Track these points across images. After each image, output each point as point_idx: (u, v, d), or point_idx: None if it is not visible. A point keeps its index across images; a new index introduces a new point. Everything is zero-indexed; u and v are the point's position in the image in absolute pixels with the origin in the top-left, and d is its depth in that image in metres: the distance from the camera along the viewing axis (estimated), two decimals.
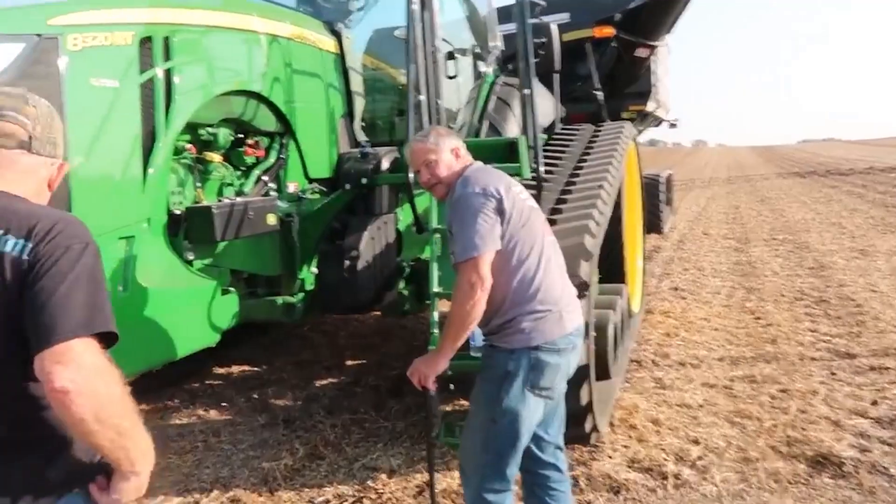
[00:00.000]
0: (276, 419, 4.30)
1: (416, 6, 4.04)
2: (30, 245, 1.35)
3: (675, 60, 11.77)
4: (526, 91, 4.08)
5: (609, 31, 8.18)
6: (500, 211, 2.42)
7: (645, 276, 7.12)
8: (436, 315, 3.22)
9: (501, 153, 4.13)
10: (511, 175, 3.77)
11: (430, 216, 3.52)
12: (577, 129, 6.27)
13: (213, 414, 4.46)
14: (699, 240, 11.00)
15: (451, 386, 2.70)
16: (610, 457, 3.61)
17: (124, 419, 1.38)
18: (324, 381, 4.98)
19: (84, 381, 1.30)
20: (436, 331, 3.18)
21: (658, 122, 11.41)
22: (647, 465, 3.50)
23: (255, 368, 5.37)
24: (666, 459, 3.55)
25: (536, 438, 2.64)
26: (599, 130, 6.20)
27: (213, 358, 5.38)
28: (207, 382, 5.07)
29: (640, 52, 8.80)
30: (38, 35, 2.41)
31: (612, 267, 5.71)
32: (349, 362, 5.40)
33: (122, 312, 2.67)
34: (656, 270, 8.46)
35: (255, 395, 4.72)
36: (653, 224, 11.20)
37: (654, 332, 5.76)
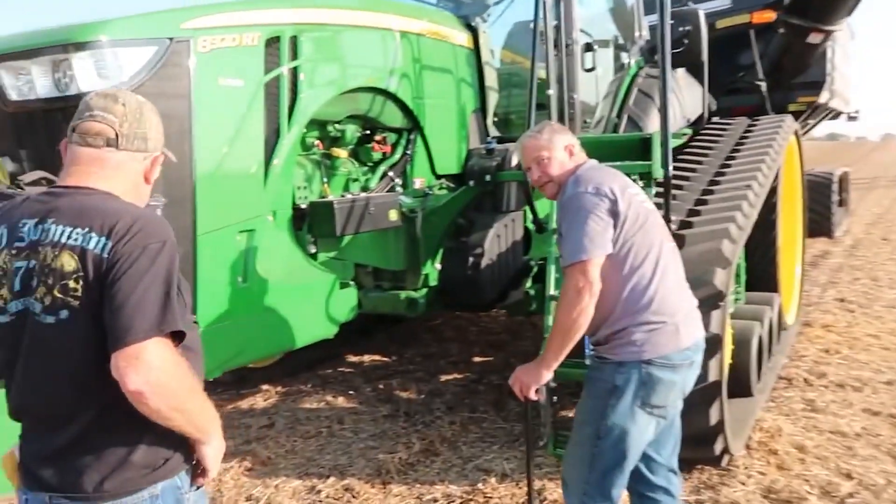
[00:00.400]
0: (397, 411, 4.36)
1: None
2: (110, 243, 1.41)
3: (859, 46, 10.62)
4: (663, 83, 3.79)
5: (769, 15, 7.48)
6: (614, 213, 2.25)
7: (804, 285, 6.48)
8: (550, 320, 3.08)
9: (634, 150, 3.90)
10: (640, 175, 3.61)
11: (551, 215, 3.38)
12: (729, 124, 5.81)
13: (340, 401, 4.61)
14: (876, 246, 9.84)
15: (555, 398, 2.56)
16: (743, 483, 3.29)
17: (195, 402, 1.50)
18: (448, 377, 4.99)
19: (156, 381, 1.38)
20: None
21: (835, 114, 10.35)
22: (784, 497, 3.15)
23: (385, 359, 5.49)
24: (809, 493, 3.18)
25: (647, 459, 2.45)
26: (755, 125, 5.70)
27: (347, 345, 5.59)
28: (339, 369, 5.26)
29: (813, 38, 7.97)
30: (171, 38, 2.56)
31: (762, 274, 5.25)
32: (476, 359, 5.37)
33: (240, 303, 2.86)
34: (821, 279, 7.66)
35: (381, 386, 4.82)
36: (822, 227, 10.19)
37: (810, 348, 5.21)
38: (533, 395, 2.42)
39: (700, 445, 3.32)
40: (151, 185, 1.69)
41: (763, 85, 7.90)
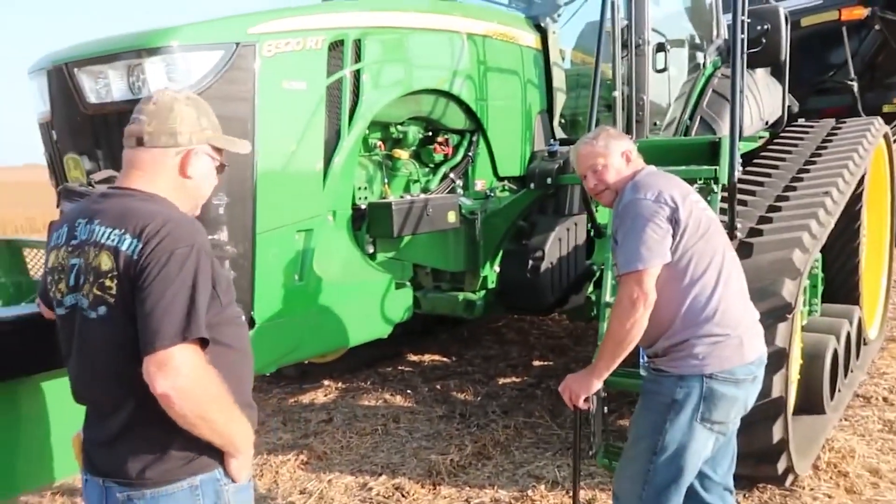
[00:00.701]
0: (453, 412, 4.37)
1: None
2: (140, 245, 1.46)
3: None
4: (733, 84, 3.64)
5: (860, 12, 7.08)
6: (675, 220, 2.18)
7: (890, 299, 6.10)
8: (605, 327, 3.02)
9: (702, 154, 3.77)
10: (706, 180, 3.49)
11: (610, 220, 3.31)
12: (812, 126, 5.55)
13: (397, 399, 4.66)
14: None
15: (605, 408, 2.51)
16: None
17: (222, 413, 1.51)
18: (506, 380, 4.97)
19: (183, 386, 1.43)
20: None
21: None
22: None
23: (444, 359, 5.52)
24: None
25: (702, 476, 2.38)
26: (840, 127, 5.42)
27: (408, 345, 5.66)
28: (399, 368, 5.32)
29: None
30: (237, 43, 2.65)
31: (843, 286, 4.99)
32: (536, 363, 5.33)
33: (296, 301, 2.93)
34: None
35: (438, 386, 4.85)
36: None
37: (893, 365, 4.91)
38: (582, 404, 2.38)
39: (762, 463, 3.19)
40: (200, 180, 1.70)
41: (855, 85, 7.51)
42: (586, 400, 2.38)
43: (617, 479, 2.44)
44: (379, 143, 3.61)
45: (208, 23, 2.70)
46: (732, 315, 2.24)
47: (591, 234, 4.12)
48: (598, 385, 2.33)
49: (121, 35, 2.66)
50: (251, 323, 2.74)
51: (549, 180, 4.08)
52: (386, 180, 3.64)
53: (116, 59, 2.53)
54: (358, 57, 3.21)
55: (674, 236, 2.19)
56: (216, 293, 1.55)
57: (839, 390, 4.15)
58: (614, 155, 2.39)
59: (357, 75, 3.21)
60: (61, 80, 2.64)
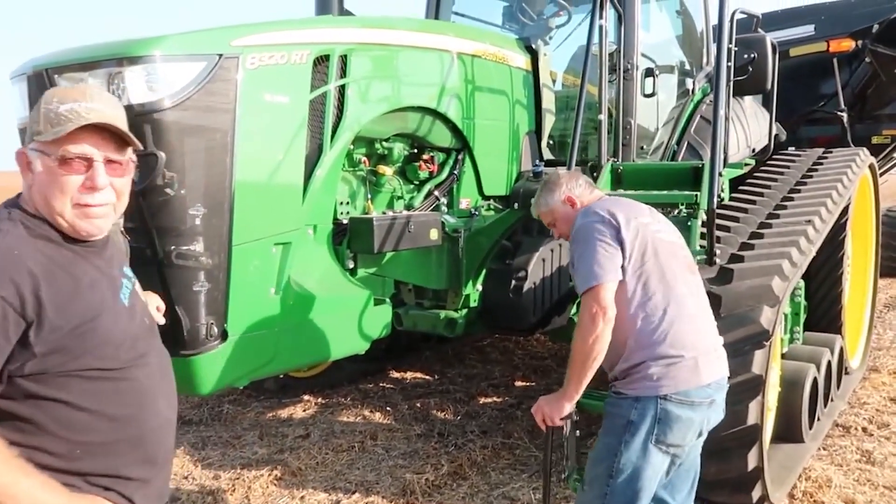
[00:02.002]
0: (432, 430, 4.34)
1: (601, 22, 3.85)
2: None
3: None
4: (720, 112, 3.66)
5: (848, 44, 7.17)
6: (619, 240, 2.24)
7: (875, 329, 6.12)
8: None
9: (685, 179, 3.79)
10: (688, 205, 3.50)
11: None
12: (799, 155, 5.59)
13: (376, 416, 4.62)
14: None
15: (578, 431, 2.49)
16: None
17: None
18: (487, 399, 4.94)
19: None
20: None
21: None
22: None
23: (426, 377, 5.49)
24: None
25: (660, 502, 2.36)
26: (825, 157, 5.46)
27: (391, 361, 5.63)
28: (380, 384, 5.28)
29: None
30: (220, 55, 2.65)
31: (825, 315, 4.99)
32: (518, 383, 5.30)
33: (271, 314, 2.91)
34: (895, 322, 7.23)
35: (418, 404, 4.81)
36: None
37: (874, 395, 4.90)
38: (558, 424, 2.36)
39: (736, 491, 3.18)
40: (34, 183, 1.44)
41: (844, 116, 7.58)
42: (561, 420, 2.36)
43: (578, 502, 2.44)
44: (363, 158, 3.61)
45: (192, 34, 2.71)
46: (686, 337, 2.24)
47: None
48: (569, 407, 2.32)
49: (103, 43, 2.66)
50: (224, 335, 2.72)
51: (532, 201, 4.08)
52: (369, 196, 3.64)
53: (97, 67, 2.53)
54: (343, 72, 3.22)
55: (623, 253, 2.24)
56: (29, 338, 1.33)
57: (818, 419, 4.14)
58: (556, 208, 2.54)
59: (342, 90, 3.21)
60: (41, 86, 2.63)
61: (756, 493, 3.14)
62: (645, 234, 2.28)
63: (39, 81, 2.65)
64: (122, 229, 2.35)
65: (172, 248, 2.60)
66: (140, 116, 2.49)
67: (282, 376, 4.71)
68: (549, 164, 4.48)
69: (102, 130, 1.44)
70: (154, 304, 2.19)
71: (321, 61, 3.10)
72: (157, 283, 2.58)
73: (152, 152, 2.52)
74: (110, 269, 1.53)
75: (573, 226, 2.39)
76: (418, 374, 5.54)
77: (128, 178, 1.52)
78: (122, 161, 1.49)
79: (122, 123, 1.47)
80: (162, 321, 2.18)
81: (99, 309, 1.42)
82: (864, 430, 4.30)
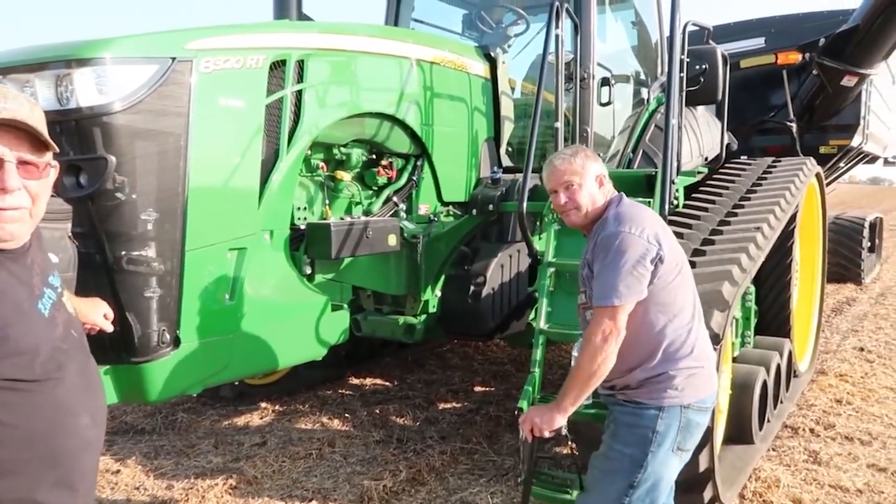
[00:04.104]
0: (390, 437, 4.32)
1: (558, 31, 3.90)
2: None
3: None
4: (672, 121, 3.74)
5: (795, 57, 7.41)
6: (658, 260, 2.19)
7: (823, 333, 6.31)
8: (538, 354, 3.04)
9: (639, 186, 3.86)
10: None
11: (547, 248, 3.35)
12: (749, 164, 5.73)
13: (335, 423, 4.59)
14: None
15: (570, 439, 2.48)
16: None
17: None
18: (446, 405, 4.94)
19: None
20: (537, 370, 3.01)
21: (871, 158, 10.17)
22: None
23: (386, 383, 5.47)
24: None
25: None
26: (775, 166, 5.61)
27: (351, 367, 5.60)
28: (339, 391, 5.25)
29: (847, 81, 7.89)
30: (173, 58, 2.62)
31: (775, 319, 5.13)
32: (477, 388, 5.32)
33: (225, 320, 2.88)
34: (842, 326, 7.45)
35: (377, 410, 4.79)
36: (851, 273, 9.96)
37: (821, 397, 5.05)
38: (547, 436, 2.32)
39: (688, 492, 3.21)
40: None
41: (794, 126, 7.82)
42: (552, 431, 2.30)
43: None
44: (321, 164, 3.59)
45: (144, 36, 2.67)
46: (705, 348, 2.32)
47: (532, 261, 4.16)
48: (561, 420, 2.27)
49: (51, 44, 2.61)
50: (176, 342, 2.68)
51: (491, 207, 4.12)
52: (327, 201, 3.63)
53: (44, 69, 2.47)
54: (300, 77, 3.21)
55: (654, 273, 2.19)
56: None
57: (768, 421, 4.25)
58: (589, 176, 2.34)
59: (299, 96, 3.20)
60: None
61: (707, 494, 3.21)
62: (674, 247, 2.27)
63: None
64: (70, 234, 2.31)
65: (123, 253, 2.56)
66: (89, 120, 2.45)
67: (238, 383, 4.65)
68: (507, 170, 4.52)
69: (16, 131, 1.36)
70: (102, 312, 2.15)
71: (278, 66, 3.09)
72: (106, 289, 2.53)
73: (102, 156, 2.48)
74: (30, 278, 1.44)
75: (603, 227, 2.27)
76: (378, 381, 5.52)
77: (45, 181, 1.43)
78: (39, 163, 1.40)
79: (38, 124, 1.39)
80: (110, 328, 2.14)
81: (10, 318, 1.34)
82: (812, 431, 4.42)
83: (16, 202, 1.37)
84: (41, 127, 1.40)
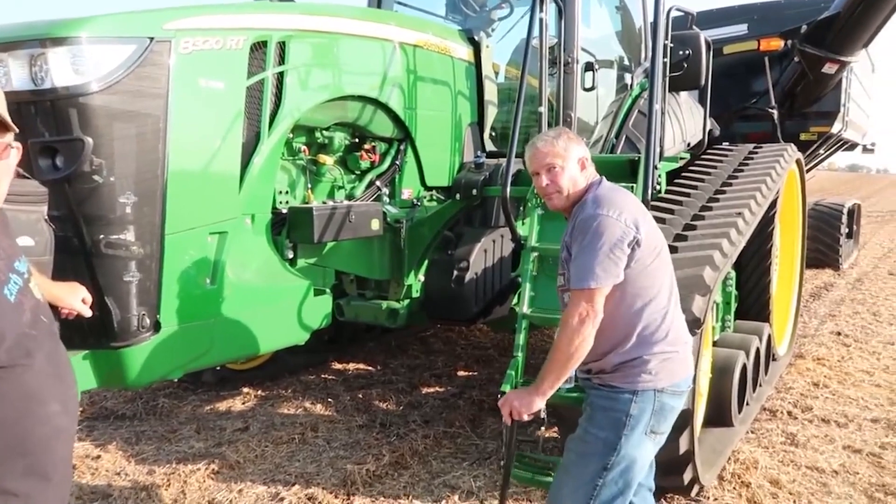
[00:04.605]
0: (373, 421, 4.33)
1: (542, 15, 3.88)
2: None
3: (883, 78, 10.53)
4: (655, 106, 3.74)
5: (777, 43, 7.44)
6: (635, 243, 2.19)
7: (801, 317, 6.39)
8: (521, 338, 3.05)
9: (622, 172, 3.87)
10: None
11: (530, 233, 3.35)
12: (731, 150, 5.76)
13: (318, 408, 4.59)
14: (882, 280, 9.69)
15: (543, 426, 2.49)
16: None
17: None
18: (429, 389, 4.96)
19: None
20: (520, 355, 3.01)
21: (850, 145, 10.27)
22: None
23: (369, 368, 5.47)
24: None
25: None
26: (756, 152, 5.64)
27: (333, 352, 5.59)
28: (322, 376, 5.24)
29: (828, 68, 7.93)
30: (151, 38, 2.57)
31: (754, 303, 5.19)
32: (460, 373, 5.33)
33: (206, 305, 2.85)
34: (820, 311, 7.55)
35: (360, 395, 4.80)
36: (829, 259, 10.09)
37: (799, 381, 5.12)
38: (525, 419, 2.32)
39: (669, 474, 3.26)
40: None
41: (775, 112, 7.87)
42: (530, 415, 2.30)
43: (556, 496, 2.37)
44: (303, 147, 3.56)
45: (121, 15, 2.62)
46: (680, 332, 2.33)
47: (515, 246, 4.16)
48: (540, 403, 2.28)
49: (25, 22, 2.55)
50: (156, 326, 2.65)
51: (474, 191, 4.12)
52: (309, 185, 3.60)
53: (17, 48, 2.42)
54: (282, 59, 3.17)
55: (631, 256, 2.19)
56: None
57: (748, 404, 4.30)
58: (572, 159, 2.33)
59: (280, 78, 3.17)
60: None
61: (687, 475, 3.25)
62: (652, 231, 2.26)
63: None
64: (46, 217, 2.27)
65: (101, 236, 2.52)
66: (65, 100, 2.40)
67: (220, 368, 4.63)
68: (490, 155, 4.51)
69: None
70: (80, 296, 2.12)
71: (258, 47, 3.05)
72: (85, 274, 2.50)
73: (79, 137, 2.43)
74: None
75: (581, 209, 2.26)
76: (361, 366, 5.52)
77: (5, 162, 1.40)
78: None
79: None
80: (88, 313, 2.11)
81: None
82: (790, 413, 4.49)
83: None
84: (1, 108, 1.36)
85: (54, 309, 2.12)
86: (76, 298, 2.12)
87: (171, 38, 2.64)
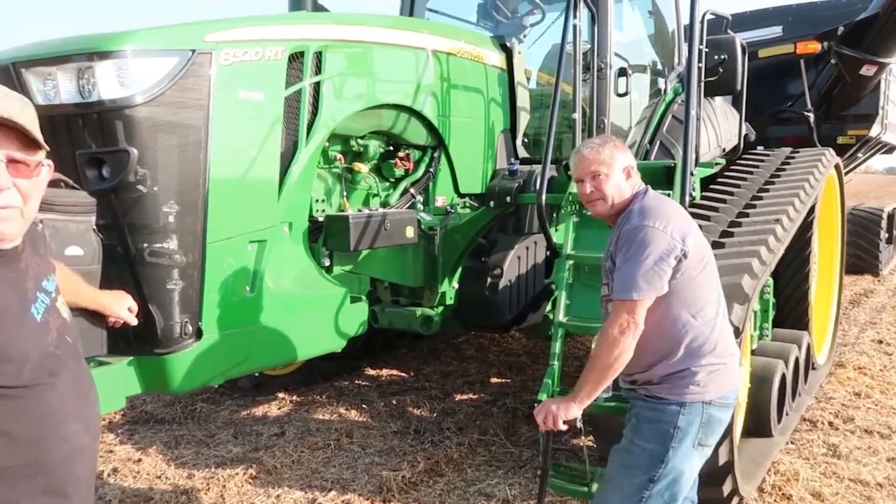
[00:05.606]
0: (408, 428, 4.34)
1: (575, 21, 3.87)
2: None
3: None
4: (691, 112, 3.71)
5: (814, 46, 7.30)
6: (682, 255, 2.17)
7: (841, 324, 6.26)
8: (557, 347, 3.03)
9: (658, 178, 3.83)
10: None
11: (565, 240, 3.33)
12: (768, 154, 5.68)
13: (353, 414, 4.61)
14: None
15: (586, 431, 2.46)
16: None
17: None
18: (463, 396, 4.95)
19: None
20: (556, 363, 3.00)
21: (889, 148, 10.04)
22: None
23: (403, 374, 5.49)
24: None
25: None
26: (793, 156, 5.56)
27: (367, 359, 5.62)
28: (356, 382, 5.27)
29: (866, 71, 7.76)
30: (193, 50, 2.62)
31: (793, 311, 5.09)
32: (493, 380, 5.33)
33: (246, 312, 2.89)
34: (860, 318, 7.39)
35: (394, 401, 4.81)
36: (868, 265, 9.89)
37: (840, 390, 5.02)
38: (562, 428, 2.30)
39: (708, 486, 3.19)
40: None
41: (811, 116, 7.73)
42: (565, 423, 2.29)
43: None
44: (339, 155, 3.59)
45: (164, 28, 2.68)
46: (728, 344, 2.30)
47: (549, 253, 4.14)
48: (577, 412, 2.27)
49: (73, 37, 2.62)
50: (198, 333, 2.69)
51: (508, 199, 4.11)
52: (345, 193, 3.63)
53: (67, 62, 2.48)
54: (318, 69, 3.21)
55: (676, 268, 2.18)
56: None
57: (787, 414, 4.22)
58: (617, 167, 2.32)
59: (317, 88, 3.20)
60: (8, 79, 2.57)
61: (727, 487, 3.19)
62: (699, 242, 2.25)
63: (6, 75, 2.59)
64: (94, 227, 2.33)
65: (145, 245, 2.57)
66: (111, 112, 2.46)
67: (256, 374, 4.68)
68: (523, 161, 4.51)
69: (6, 129, 1.32)
70: (126, 305, 2.16)
71: (296, 58, 3.09)
72: (129, 282, 2.55)
73: (124, 148, 2.49)
74: (22, 282, 1.40)
75: (627, 219, 2.25)
76: (394, 372, 5.54)
77: (37, 180, 1.39)
78: (30, 162, 1.36)
79: (29, 123, 1.35)
80: (134, 322, 2.16)
81: None
82: (831, 424, 4.40)
83: (5, 201, 1.33)
84: (32, 125, 1.36)
85: (102, 317, 2.18)
86: (122, 307, 2.16)
87: (212, 49, 2.68)
